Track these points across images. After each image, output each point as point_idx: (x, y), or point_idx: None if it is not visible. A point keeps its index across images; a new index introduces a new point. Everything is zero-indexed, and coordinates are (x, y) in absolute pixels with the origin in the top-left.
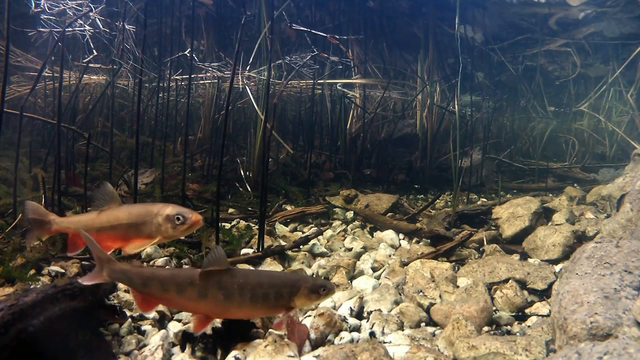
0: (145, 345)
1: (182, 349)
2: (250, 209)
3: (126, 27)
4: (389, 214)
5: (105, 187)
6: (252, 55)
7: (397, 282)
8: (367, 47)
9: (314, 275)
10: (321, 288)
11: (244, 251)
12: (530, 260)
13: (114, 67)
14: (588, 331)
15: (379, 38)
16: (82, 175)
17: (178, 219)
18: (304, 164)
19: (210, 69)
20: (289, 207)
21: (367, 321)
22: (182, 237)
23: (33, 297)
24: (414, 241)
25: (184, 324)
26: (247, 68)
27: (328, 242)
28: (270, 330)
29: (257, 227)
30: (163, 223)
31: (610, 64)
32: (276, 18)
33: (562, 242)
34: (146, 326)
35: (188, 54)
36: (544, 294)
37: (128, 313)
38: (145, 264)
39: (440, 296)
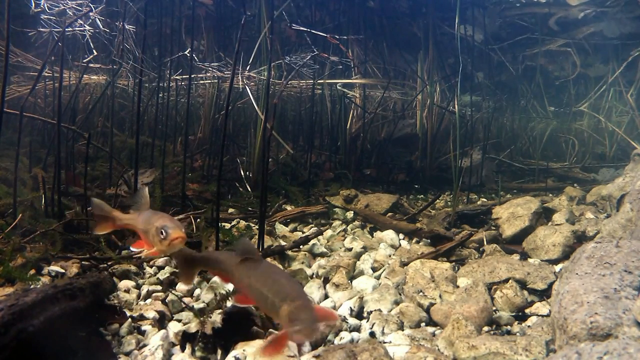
0: (145, 345)
1: (182, 349)
2: (250, 209)
3: (126, 27)
4: (389, 214)
5: (142, 191)
6: (252, 55)
7: (397, 282)
8: (367, 47)
9: (314, 276)
10: (296, 320)
11: None
12: (530, 260)
13: (114, 67)
14: (588, 331)
15: (379, 38)
16: (82, 175)
17: (161, 232)
18: (304, 164)
19: (210, 69)
20: (289, 207)
21: (367, 321)
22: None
23: (33, 297)
24: (414, 241)
25: (184, 324)
26: (247, 68)
27: (328, 242)
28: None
29: (257, 227)
30: (155, 234)
31: (610, 64)
32: (276, 18)
33: (562, 242)
34: (146, 326)
35: (188, 54)
36: (544, 294)
37: (128, 313)
38: (145, 263)
39: (440, 296)
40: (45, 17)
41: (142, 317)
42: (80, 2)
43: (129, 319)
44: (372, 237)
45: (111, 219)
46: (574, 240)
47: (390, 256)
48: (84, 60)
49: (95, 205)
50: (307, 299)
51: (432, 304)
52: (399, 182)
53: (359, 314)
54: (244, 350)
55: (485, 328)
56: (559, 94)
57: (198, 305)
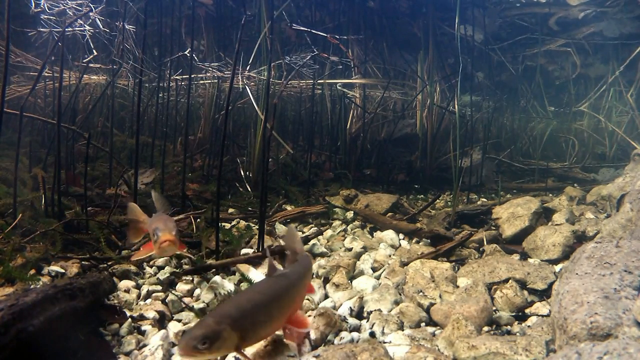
0: (145, 345)
1: None
2: (250, 209)
3: (126, 27)
4: (389, 214)
5: (154, 195)
6: (252, 55)
7: (397, 282)
8: (367, 47)
9: (314, 276)
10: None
11: (244, 251)
12: (530, 260)
13: (114, 67)
14: (588, 331)
15: (379, 38)
16: (82, 175)
17: (154, 234)
18: (304, 164)
19: (210, 69)
20: (289, 207)
21: (367, 321)
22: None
23: (33, 297)
24: (414, 241)
25: (184, 324)
26: (247, 68)
27: (328, 242)
28: None
29: (257, 227)
30: (152, 236)
31: (610, 64)
32: (276, 18)
33: (562, 242)
34: (146, 326)
35: (188, 54)
36: (544, 294)
37: (128, 313)
38: (145, 263)
39: (440, 296)
40: (45, 17)
41: (142, 317)
42: (80, 2)
43: (129, 319)
44: (372, 237)
45: (142, 223)
46: (574, 240)
47: (390, 256)
48: (84, 60)
49: (130, 209)
50: None
51: (432, 304)
52: (399, 182)
53: (359, 314)
54: (244, 350)
55: (485, 328)
56: (559, 94)
57: (198, 305)
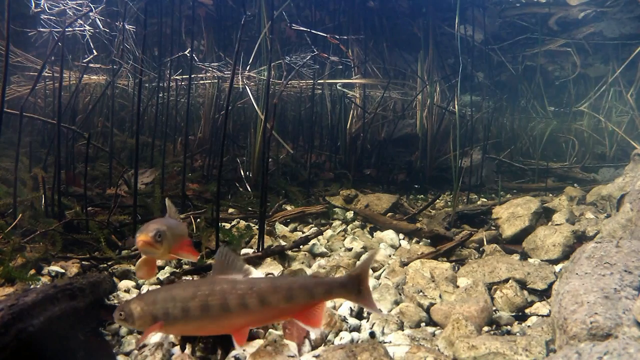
0: (145, 345)
1: (182, 349)
2: (250, 209)
3: (126, 27)
4: (389, 214)
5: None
6: (252, 55)
7: (397, 282)
8: (367, 47)
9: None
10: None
11: (244, 251)
12: (530, 260)
13: (114, 67)
14: (588, 331)
15: (379, 38)
16: (82, 175)
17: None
18: (304, 164)
19: (210, 69)
20: (289, 207)
21: (367, 321)
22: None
23: (33, 297)
24: (414, 241)
25: None
26: (247, 68)
27: (328, 242)
28: (270, 330)
29: (257, 227)
30: None
31: (610, 64)
32: (276, 18)
33: (562, 242)
34: None
35: (188, 54)
36: (544, 294)
37: None
38: None
39: (440, 296)
40: (45, 17)
41: None
42: (80, 2)
43: None
44: (372, 237)
45: None
46: (574, 240)
47: (390, 256)
48: (84, 60)
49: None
50: None
51: (432, 304)
52: (399, 182)
53: (359, 314)
54: (244, 350)
55: (485, 328)
56: (559, 94)
57: None
